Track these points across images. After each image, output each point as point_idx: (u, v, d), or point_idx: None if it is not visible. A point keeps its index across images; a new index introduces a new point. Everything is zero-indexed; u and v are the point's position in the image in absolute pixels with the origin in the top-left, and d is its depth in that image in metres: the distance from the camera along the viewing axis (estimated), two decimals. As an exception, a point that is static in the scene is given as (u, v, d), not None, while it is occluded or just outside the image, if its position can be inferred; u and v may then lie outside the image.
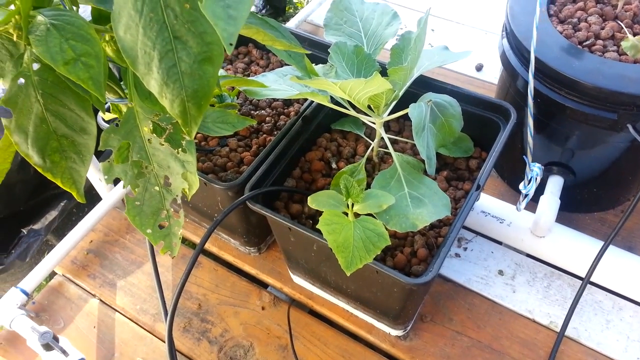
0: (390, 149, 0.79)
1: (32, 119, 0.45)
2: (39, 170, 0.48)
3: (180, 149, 0.48)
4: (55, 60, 0.38)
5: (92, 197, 1.20)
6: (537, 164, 0.78)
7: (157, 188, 0.50)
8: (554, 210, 0.92)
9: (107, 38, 0.47)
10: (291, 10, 2.44)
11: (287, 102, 0.99)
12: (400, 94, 0.79)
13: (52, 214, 1.19)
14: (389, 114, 0.80)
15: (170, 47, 0.36)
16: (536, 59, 0.83)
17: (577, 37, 0.87)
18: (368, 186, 0.80)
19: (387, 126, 0.96)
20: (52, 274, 1.04)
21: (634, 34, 0.87)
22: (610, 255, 0.90)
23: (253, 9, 2.52)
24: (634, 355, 0.85)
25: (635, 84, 0.78)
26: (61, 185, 0.49)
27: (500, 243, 1.01)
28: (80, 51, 0.39)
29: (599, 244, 0.90)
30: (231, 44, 0.31)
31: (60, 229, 1.27)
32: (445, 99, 0.80)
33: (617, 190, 1.02)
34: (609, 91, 0.79)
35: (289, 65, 0.90)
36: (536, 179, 0.77)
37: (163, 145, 0.48)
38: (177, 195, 0.51)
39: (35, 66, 0.44)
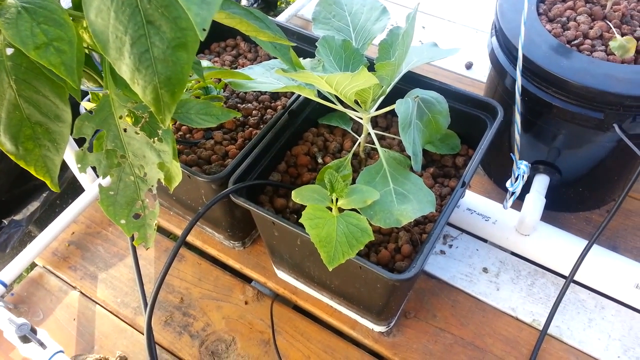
0: (377, 145, 0.79)
1: (5, 105, 0.43)
2: (12, 157, 0.47)
3: (156, 138, 0.47)
4: (25, 44, 0.37)
5: (76, 189, 1.19)
6: (524, 162, 0.78)
7: (132, 178, 0.49)
8: (539, 209, 0.92)
9: (84, 25, 0.46)
10: (283, 5, 2.42)
11: (274, 96, 0.98)
12: (388, 89, 0.78)
13: (34, 205, 1.18)
14: (376, 110, 0.80)
15: (142, 31, 0.35)
16: (524, 57, 0.83)
17: (565, 36, 0.87)
18: (354, 181, 0.79)
19: (374, 122, 0.96)
20: (33, 266, 1.02)
21: (622, 34, 0.87)
22: (593, 254, 0.90)
23: (244, 2, 2.51)
24: (615, 354, 0.85)
25: (622, 84, 0.78)
26: (34, 174, 0.48)
27: (485, 241, 1.01)
28: (52, 36, 0.38)
29: (584, 243, 0.90)
30: (204, 30, 0.30)
31: (42, 220, 1.25)
32: (433, 96, 0.79)
33: (603, 190, 1.02)
34: (596, 91, 0.78)
35: (276, 58, 0.89)
36: (523, 176, 0.77)
37: (139, 134, 0.47)
38: (152, 186, 0.50)
39: (9, 51, 0.43)
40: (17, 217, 1.17)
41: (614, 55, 0.84)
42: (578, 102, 0.81)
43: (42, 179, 0.48)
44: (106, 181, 0.52)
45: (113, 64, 0.36)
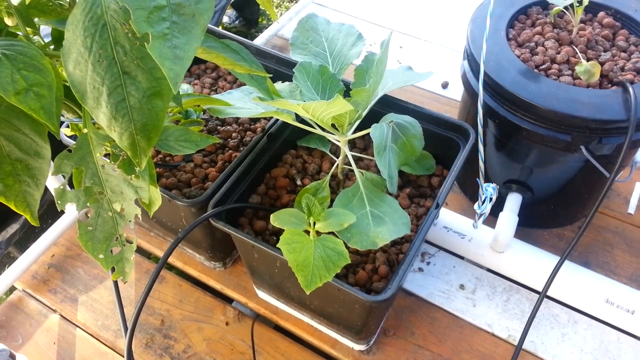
0: (354, 167, 0.81)
1: (-15, 143, 0.44)
2: (-8, 193, 0.47)
3: (133, 175, 0.48)
4: (6, 90, 0.38)
5: (55, 210, 1.18)
6: (492, 185, 0.80)
7: (110, 213, 0.50)
8: (512, 226, 0.94)
9: (63, 62, 0.47)
10: (264, 22, 2.45)
11: (254, 119, 0.99)
12: (364, 113, 0.80)
13: (14, 227, 1.17)
14: (353, 132, 0.82)
15: (119, 82, 0.37)
16: (494, 81, 0.86)
17: (534, 61, 0.91)
18: (332, 203, 0.81)
19: (352, 143, 0.98)
20: (12, 289, 1.01)
21: (588, 59, 0.91)
22: (566, 270, 0.93)
23: (226, 19, 2.51)
24: (587, 368, 0.88)
25: (588, 108, 0.81)
26: (15, 209, 0.49)
27: (462, 258, 1.03)
28: (32, 81, 0.39)
29: (556, 259, 0.93)
30: (177, 83, 0.32)
31: (22, 242, 1.25)
32: (407, 120, 0.82)
33: (574, 208, 1.05)
34: (563, 114, 0.82)
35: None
36: (491, 198, 0.80)
37: (116, 171, 0.48)
38: (130, 221, 0.51)
39: (-11, 92, 0.44)
40: (-5, 240, 1.17)
41: (580, 79, 0.87)
42: (546, 125, 0.84)
43: (22, 213, 0.48)
44: (82, 214, 0.53)
45: (91, 112, 0.38)
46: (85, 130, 0.48)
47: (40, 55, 0.41)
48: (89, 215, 0.50)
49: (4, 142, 0.44)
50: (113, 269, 0.54)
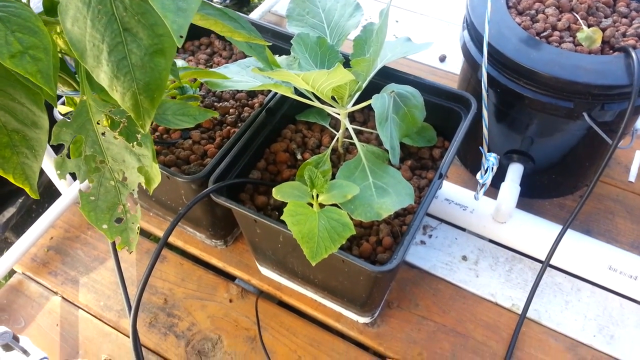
0: (355, 140, 0.80)
1: (-20, 114, 0.43)
2: (-11, 166, 0.46)
3: (135, 143, 0.47)
4: (0, 54, 0.37)
5: (52, 193, 1.17)
6: (493, 154, 0.79)
7: (112, 182, 0.49)
8: (514, 197, 0.94)
9: (58, 30, 0.46)
10: (256, 1, 2.41)
11: (251, 94, 0.98)
12: (364, 85, 0.79)
13: (10, 211, 1.16)
14: (353, 105, 0.81)
15: (120, 39, 0.35)
16: (495, 49, 0.85)
17: (535, 28, 0.89)
18: (333, 176, 0.80)
19: (352, 117, 0.97)
20: (12, 273, 1.01)
21: (589, 26, 0.89)
22: (568, 238, 0.93)
23: (217, -1, 2.47)
24: (591, 333, 0.89)
25: (590, 74, 0.80)
26: (13, 181, 0.47)
27: (464, 229, 1.03)
28: (27, 44, 0.38)
29: (558, 228, 0.93)
30: (181, 36, 0.31)
31: (19, 226, 1.23)
32: (408, 90, 0.81)
33: (575, 177, 1.05)
34: (565, 81, 0.81)
35: (252, 57, 0.89)
36: (492, 168, 0.79)
37: (117, 139, 0.47)
38: (133, 190, 0.50)
39: (-18, 60, 0.42)
40: (-8, 224, 1.15)
41: (582, 46, 0.86)
42: (548, 92, 0.83)
43: (21, 186, 0.47)
44: (85, 186, 0.52)
45: (91, 71, 0.36)
46: (83, 98, 0.47)
47: (35, 16, 0.39)
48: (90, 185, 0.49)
49: (0, 113, 0.43)
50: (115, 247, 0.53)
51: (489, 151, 0.83)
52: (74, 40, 0.36)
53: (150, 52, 0.36)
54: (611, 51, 0.86)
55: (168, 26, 0.31)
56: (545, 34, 0.88)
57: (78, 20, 0.35)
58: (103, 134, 0.48)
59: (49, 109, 0.58)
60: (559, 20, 0.91)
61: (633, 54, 0.81)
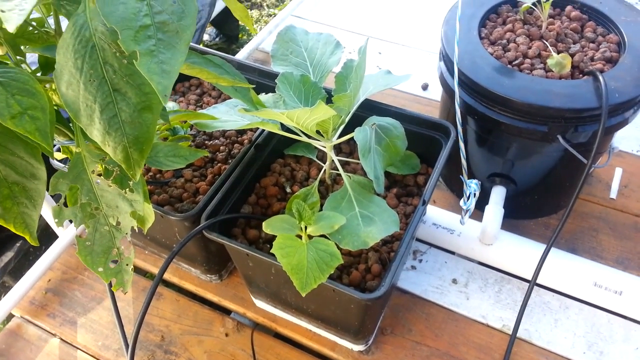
0: (341, 171, 0.83)
1: (-18, 168, 0.46)
2: (-9, 216, 0.49)
3: (127, 189, 0.50)
4: (2, 115, 0.40)
5: (49, 236, 1.19)
6: (475, 181, 0.83)
7: (106, 228, 0.52)
8: (498, 219, 0.97)
9: (53, 87, 0.49)
10: (245, 37, 2.48)
11: (241, 131, 1.01)
12: (347, 118, 0.83)
13: (8, 255, 1.17)
14: (338, 138, 0.84)
15: (110, 99, 0.39)
16: (470, 79, 0.89)
17: (506, 57, 0.94)
18: (322, 207, 0.83)
19: (338, 148, 1.00)
20: (10, 317, 1.02)
21: (558, 52, 0.94)
22: (553, 257, 0.96)
23: (207, 37, 2.54)
24: (580, 350, 0.90)
25: (562, 98, 0.85)
26: (14, 230, 0.50)
27: (453, 253, 1.06)
28: (26, 105, 0.41)
29: (543, 247, 0.95)
30: (166, 96, 0.34)
31: (17, 270, 1.25)
32: (389, 122, 0.84)
33: (557, 197, 1.08)
34: (538, 106, 0.85)
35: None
36: (475, 194, 0.82)
37: (111, 186, 0.50)
38: (126, 233, 0.53)
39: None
40: (-10, 269, 1.17)
41: (552, 72, 0.91)
42: (523, 117, 0.87)
43: (21, 234, 0.50)
44: (80, 230, 0.54)
45: (85, 129, 0.40)
46: (78, 150, 0.50)
47: (33, 80, 0.42)
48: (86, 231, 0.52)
49: (1, 167, 0.46)
50: (111, 284, 0.55)
51: (471, 177, 0.86)
52: (69, 102, 0.39)
53: (139, 109, 0.39)
54: (581, 75, 0.91)
55: (154, 88, 0.34)
56: (517, 62, 0.93)
57: (72, 84, 0.38)
58: (97, 182, 0.51)
59: (46, 157, 0.61)
60: (530, 48, 0.95)
61: (600, 78, 0.85)
